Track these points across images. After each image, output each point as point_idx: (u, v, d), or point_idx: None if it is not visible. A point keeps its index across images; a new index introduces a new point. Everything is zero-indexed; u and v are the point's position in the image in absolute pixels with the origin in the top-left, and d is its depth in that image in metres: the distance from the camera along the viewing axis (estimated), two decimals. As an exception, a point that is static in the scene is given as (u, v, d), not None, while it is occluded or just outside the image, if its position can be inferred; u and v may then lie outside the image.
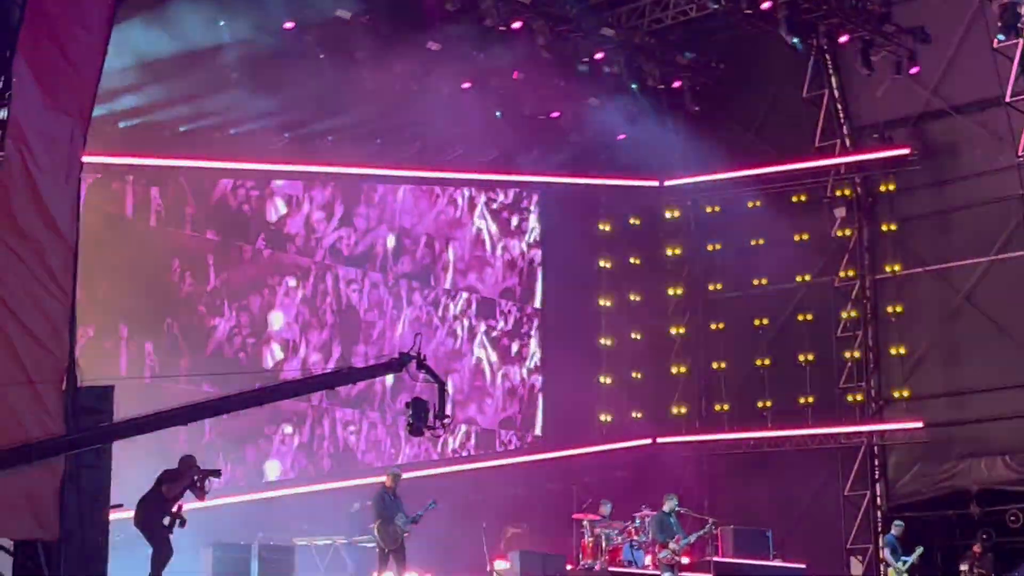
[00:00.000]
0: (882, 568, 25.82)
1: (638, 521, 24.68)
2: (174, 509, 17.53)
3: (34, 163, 15.80)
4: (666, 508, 23.53)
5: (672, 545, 23.13)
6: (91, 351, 21.76)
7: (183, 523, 17.47)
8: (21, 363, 15.26)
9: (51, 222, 15.84)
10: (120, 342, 24.02)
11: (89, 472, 16.24)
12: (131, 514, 17.95)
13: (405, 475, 22.00)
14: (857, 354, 30.36)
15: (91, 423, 16.03)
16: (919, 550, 24.75)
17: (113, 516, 17.43)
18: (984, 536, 26.11)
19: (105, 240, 22.41)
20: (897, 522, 25.80)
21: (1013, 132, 27.94)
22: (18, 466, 14.35)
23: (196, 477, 17.53)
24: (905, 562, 24.76)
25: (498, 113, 28.31)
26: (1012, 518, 27.82)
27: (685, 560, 24.44)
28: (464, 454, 29.83)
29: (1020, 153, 27.99)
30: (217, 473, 17.73)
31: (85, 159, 16.98)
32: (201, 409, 15.55)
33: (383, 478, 21.40)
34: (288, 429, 26.72)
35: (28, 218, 15.74)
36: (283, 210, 27.20)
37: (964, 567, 25.08)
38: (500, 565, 24.34)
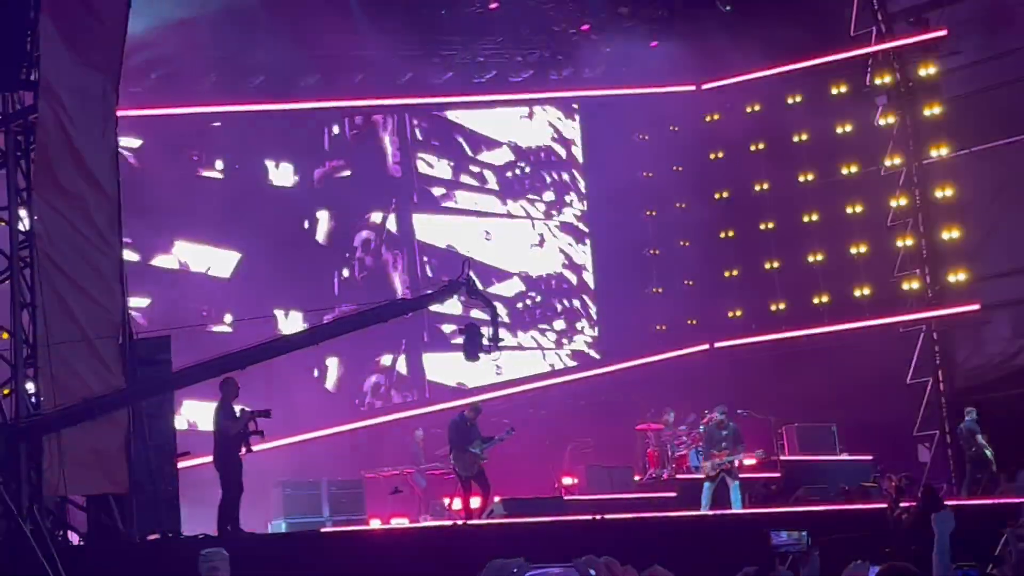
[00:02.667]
0: (972, 451, 25.56)
1: (703, 427, 24.69)
2: (242, 451, 17.68)
3: (69, 121, 15.87)
4: (715, 418, 23.42)
5: (714, 460, 23.04)
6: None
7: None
8: (76, 320, 15.41)
9: (91, 178, 15.93)
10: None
11: (153, 423, 16.43)
12: (201, 460, 18.17)
13: (463, 400, 22.21)
14: (910, 241, 30.09)
15: (150, 374, 16.22)
16: None
17: (183, 464, 17.67)
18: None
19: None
20: (969, 408, 25.69)
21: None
22: (82, 422, 14.54)
23: (246, 418, 17.65)
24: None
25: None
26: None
27: (749, 462, 24.45)
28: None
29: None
30: (267, 413, 17.82)
31: (120, 113, 17.06)
32: (260, 351, 15.67)
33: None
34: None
35: (69, 176, 15.84)
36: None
37: None
38: (568, 481, 24.47)
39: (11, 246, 15.84)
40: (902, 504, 20.43)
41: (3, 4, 15.60)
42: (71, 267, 15.59)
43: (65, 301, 15.33)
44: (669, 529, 19.74)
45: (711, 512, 22.32)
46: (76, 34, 15.92)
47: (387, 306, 16.53)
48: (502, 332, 16.11)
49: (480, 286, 15.23)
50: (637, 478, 25.13)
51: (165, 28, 22.58)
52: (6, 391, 15.51)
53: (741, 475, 23.29)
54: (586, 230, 32.03)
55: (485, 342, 15.55)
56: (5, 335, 16.22)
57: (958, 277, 29.52)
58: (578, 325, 31.60)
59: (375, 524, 21.54)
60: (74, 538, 16.46)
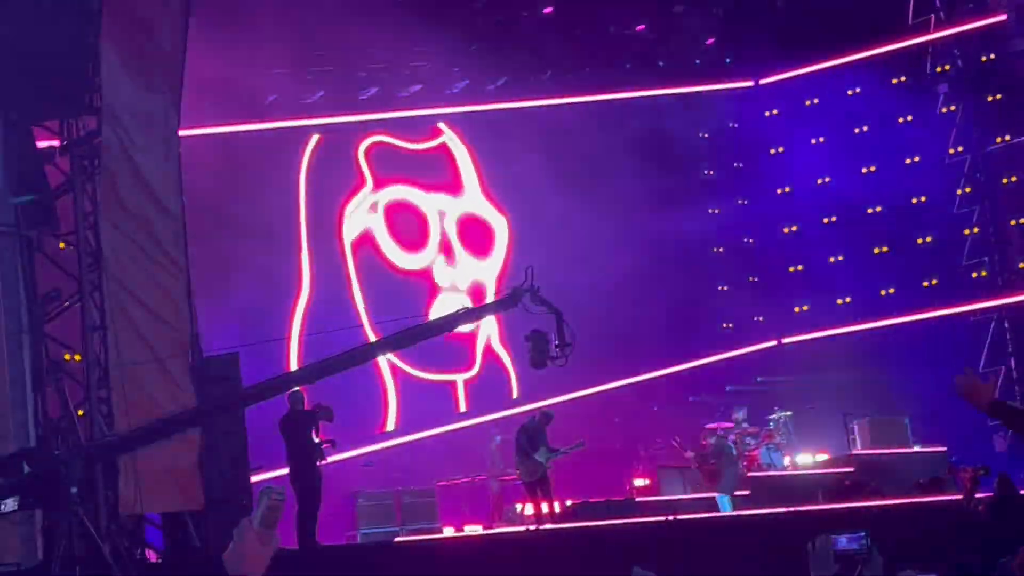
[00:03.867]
0: None
1: (772, 424, 24.58)
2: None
3: (132, 144, 16.11)
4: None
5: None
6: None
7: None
8: (146, 341, 15.61)
9: (156, 200, 16.14)
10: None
11: (226, 439, 16.61)
12: (276, 473, 18.33)
13: (533, 405, 22.25)
14: (976, 229, 29.82)
15: (220, 391, 16.39)
16: None
17: (257, 478, 17.85)
18: None
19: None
20: None
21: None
22: (156, 441, 14.72)
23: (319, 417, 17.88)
24: None
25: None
26: None
27: (822, 457, 24.33)
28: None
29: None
30: (328, 414, 18.01)
31: (182, 133, 17.25)
32: (329, 366, 15.77)
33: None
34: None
35: (135, 199, 16.07)
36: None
37: None
38: (639, 483, 24.45)
39: (79, 269, 16.07)
40: (977, 495, 20.23)
41: (64, 31, 15.83)
42: (139, 288, 15.80)
43: (134, 322, 15.54)
44: (740, 528, 19.70)
45: (784, 510, 22.22)
46: (136, 58, 16.14)
47: (453, 316, 16.58)
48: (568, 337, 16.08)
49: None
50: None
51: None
52: (80, 412, 15.73)
53: (812, 471, 23.29)
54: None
55: (552, 348, 15.56)
56: (78, 357, 16.46)
57: (1027, 263, 29.26)
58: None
59: (448, 532, 21.63)
60: (151, 556, 16.66)
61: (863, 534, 8.32)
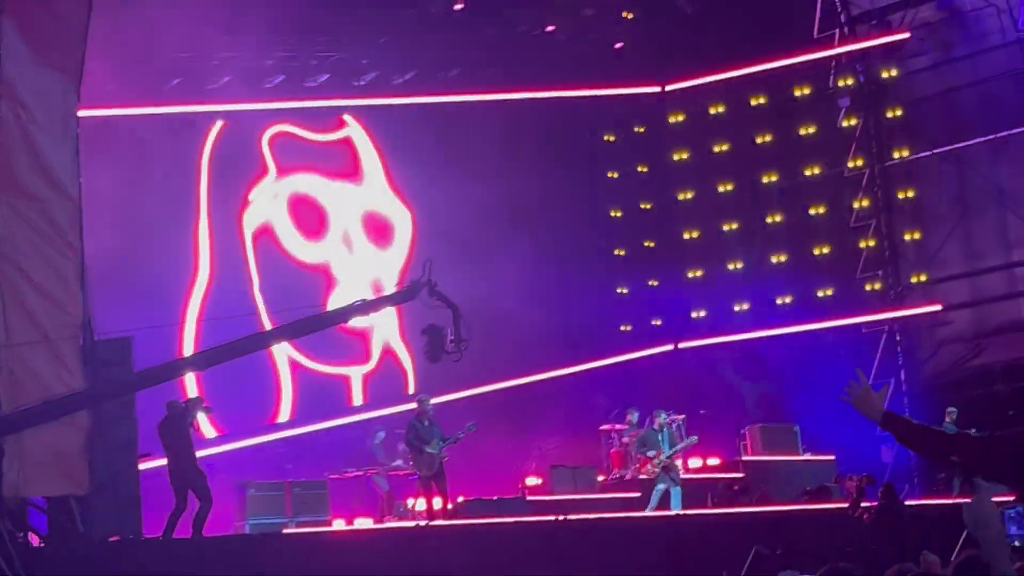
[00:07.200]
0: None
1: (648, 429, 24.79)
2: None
3: (31, 122, 15.86)
4: (656, 424, 23.82)
5: (654, 458, 23.34)
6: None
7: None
8: (37, 322, 15.38)
9: (53, 180, 15.91)
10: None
11: (114, 424, 16.40)
12: (163, 461, 18.18)
13: (431, 401, 22.18)
14: (872, 243, 30.27)
15: (111, 376, 16.18)
16: None
17: (144, 466, 17.66)
18: (1011, 414, 26.15)
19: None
20: (950, 409, 25.84)
21: (1011, 6, 27.66)
22: (43, 423, 14.51)
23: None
24: None
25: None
26: (1039, 393, 27.82)
27: (713, 462, 24.63)
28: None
29: (1020, 27, 27.75)
30: (199, 402, 17.99)
31: (81, 114, 17.02)
32: (220, 353, 15.66)
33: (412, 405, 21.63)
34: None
35: (31, 177, 15.82)
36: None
37: None
38: (532, 481, 24.50)
39: (-29, 247, 15.79)
40: (863, 504, 20.60)
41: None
42: (32, 269, 15.57)
43: (26, 303, 15.30)
44: (630, 529, 19.84)
45: (673, 513, 22.44)
46: (37, 35, 15.90)
47: (350, 307, 16.51)
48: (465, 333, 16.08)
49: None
50: (601, 479, 25.18)
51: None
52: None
53: (703, 475, 23.54)
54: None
55: (448, 343, 15.56)
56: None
57: (920, 278, 29.73)
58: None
59: (338, 525, 21.54)
60: (34, 540, 16.41)
61: None
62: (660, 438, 23.63)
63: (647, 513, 22.59)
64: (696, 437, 24.17)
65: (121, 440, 16.58)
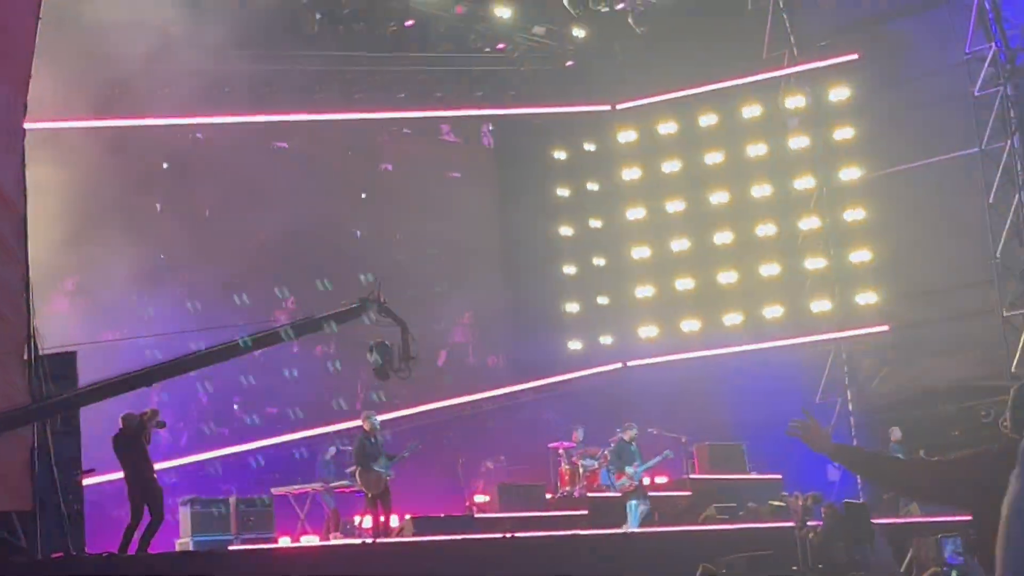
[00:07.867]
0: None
1: (612, 445, 24.81)
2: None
3: (-25, 133, 15.65)
4: (626, 437, 23.89)
5: (629, 470, 23.42)
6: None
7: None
8: (-21, 335, 15.19)
9: (-2, 192, 15.72)
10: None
11: (59, 439, 16.22)
12: (106, 477, 18.02)
13: (382, 417, 22.10)
14: (820, 262, 30.43)
15: (56, 391, 16.00)
16: None
17: (88, 481, 17.46)
18: (956, 434, 26.31)
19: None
20: (894, 428, 25.98)
21: (958, 30, 27.93)
22: (-15, 439, 14.34)
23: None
24: None
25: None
26: (984, 413, 27.98)
27: (661, 480, 24.71)
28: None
29: (968, 50, 28.03)
30: (155, 415, 17.86)
31: (27, 126, 16.84)
32: (167, 369, 15.53)
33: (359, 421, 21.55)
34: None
35: (-26, 189, 15.61)
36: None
37: None
38: (480, 499, 24.46)
39: (-86, 259, 15.59)
40: (809, 523, 20.62)
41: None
42: (-25, 281, 15.37)
43: (-32, 315, 15.12)
44: (578, 547, 19.79)
45: (620, 531, 22.43)
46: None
47: (298, 324, 16.46)
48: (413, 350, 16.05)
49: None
50: (549, 496, 25.17)
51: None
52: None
53: (651, 493, 23.59)
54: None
55: (397, 361, 15.53)
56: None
57: (867, 298, 29.89)
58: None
59: (284, 542, 21.38)
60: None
61: None
62: (634, 451, 23.67)
63: (630, 530, 22.56)
64: (671, 452, 24.23)
65: (65, 456, 16.40)
